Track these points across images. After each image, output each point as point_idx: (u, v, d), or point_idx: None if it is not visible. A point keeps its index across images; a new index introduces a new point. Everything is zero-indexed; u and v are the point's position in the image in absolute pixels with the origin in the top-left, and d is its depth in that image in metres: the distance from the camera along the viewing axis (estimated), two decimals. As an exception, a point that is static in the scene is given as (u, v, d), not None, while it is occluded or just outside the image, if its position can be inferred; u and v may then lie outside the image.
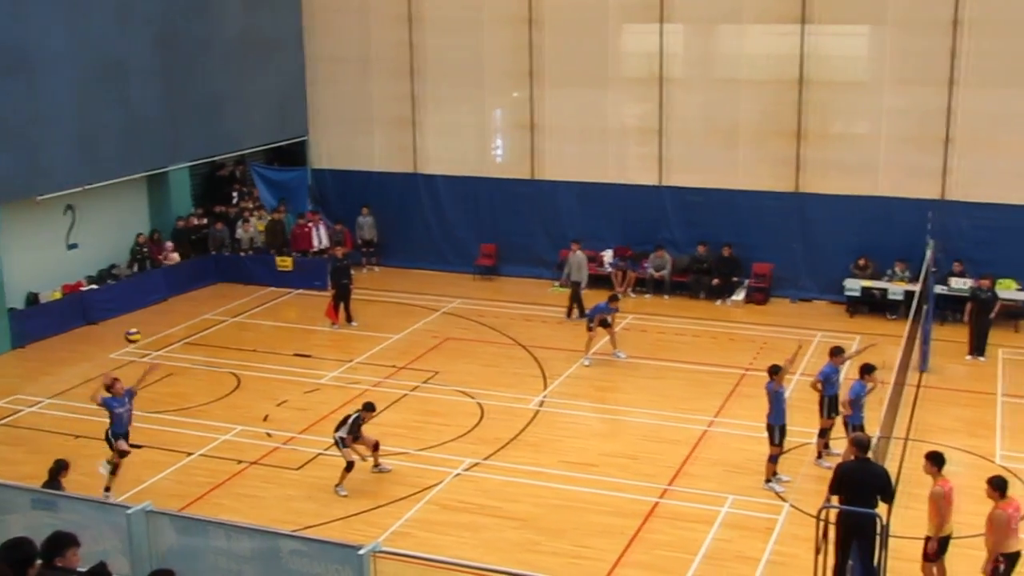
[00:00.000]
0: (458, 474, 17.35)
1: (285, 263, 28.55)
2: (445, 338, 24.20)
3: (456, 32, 29.26)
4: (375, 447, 17.27)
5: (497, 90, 29.55)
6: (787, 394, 17.01)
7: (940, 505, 13.16)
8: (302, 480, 17.29)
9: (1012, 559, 12.91)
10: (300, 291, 27.92)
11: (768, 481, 16.74)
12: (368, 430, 17.21)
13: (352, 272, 25.81)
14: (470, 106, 29.81)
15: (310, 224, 29.41)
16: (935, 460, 13.36)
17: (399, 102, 30.12)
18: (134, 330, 22.41)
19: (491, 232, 29.59)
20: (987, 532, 12.96)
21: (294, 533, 12.57)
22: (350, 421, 16.89)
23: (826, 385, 17.37)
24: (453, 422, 19.39)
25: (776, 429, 16.66)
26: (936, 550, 13.32)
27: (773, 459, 16.78)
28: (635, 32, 28.26)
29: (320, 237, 29.34)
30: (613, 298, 23.11)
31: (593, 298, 24.07)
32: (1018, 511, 12.90)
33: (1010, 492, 13.02)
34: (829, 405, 17.39)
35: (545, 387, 21.21)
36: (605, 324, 22.64)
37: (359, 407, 17.31)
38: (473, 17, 28.99)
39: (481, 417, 19.65)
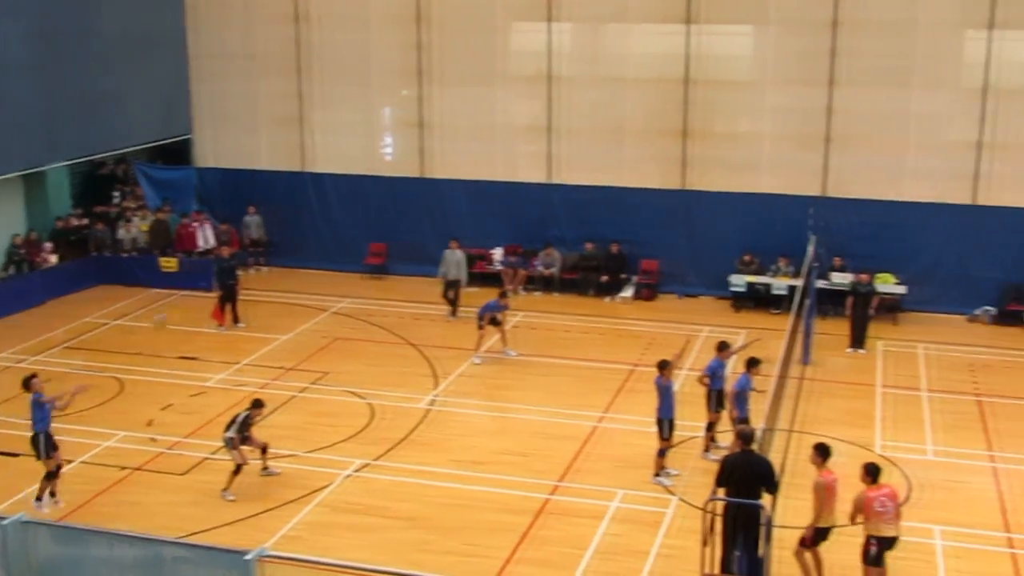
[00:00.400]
0: (348, 475, 17.19)
1: (170, 264, 27.98)
2: (334, 338, 23.97)
3: (344, 29, 29.01)
4: (264, 449, 17.02)
5: (386, 88, 29.39)
6: (675, 388, 17.21)
7: (821, 496, 13.45)
8: (188, 485, 16.94)
9: (886, 543, 13.26)
10: (185, 292, 27.36)
11: (657, 475, 16.93)
12: (257, 432, 16.95)
13: (239, 272, 25.37)
14: (359, 104, 29.58)
15: (195, 224, 28.86)
16: (821, 451, 13.67)
17: (286, 100, 29.75)
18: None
19: (380, 231, 29.40)
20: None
21: (179, 540, 12.30)
22: (239, 420, 16.60)
23: (713, 379, 17.63)
24: (343, 423, 19.20)
25: (665, 423, 16.86)
26: (811, 537, 13.61)
27: (662, 453, 16.97)
28: (523, 30, 28.34)
29: (206, 237, 28.80)
30: (503, 295, 23.17)
31: (483, 296, 24.07)
32: (891, 498, 13.26)
33: (883, 479, 13.39)
34: (716, 399, 17.66)
35: (436, 386, 21.14)
36: (495, 322, 22.67)
37: (248, 406, 17.02)
38: (361, 15, 28.78)
39: (371, 418, 19.51)
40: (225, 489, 16.40)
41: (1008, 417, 19.76)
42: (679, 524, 15.51)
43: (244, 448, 16.57)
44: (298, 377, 21.53)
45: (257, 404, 16.96)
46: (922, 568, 14.44)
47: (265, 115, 30.10)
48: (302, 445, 18.21)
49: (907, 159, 25.98)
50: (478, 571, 14.36)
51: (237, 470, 16.41)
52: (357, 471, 17.33)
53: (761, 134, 26.86)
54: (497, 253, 28.34)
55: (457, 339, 23.69)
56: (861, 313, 23.51)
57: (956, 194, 25.79)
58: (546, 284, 27.79)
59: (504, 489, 16.66)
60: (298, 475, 17.15)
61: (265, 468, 17.09)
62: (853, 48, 25.67)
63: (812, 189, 26.38)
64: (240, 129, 30.36)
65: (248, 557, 9.71)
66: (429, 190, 29.02)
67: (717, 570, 12.95)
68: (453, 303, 25.54)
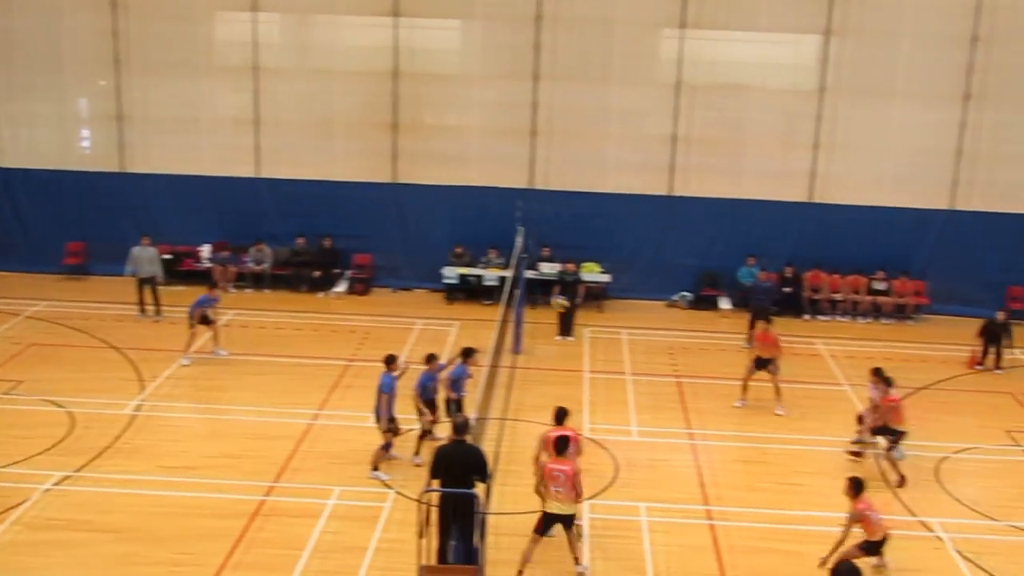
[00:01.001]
0: (47, 489, 16.16)
1: None
2: (28, 344, 22.55)
3: (31, 15, 27.20)
4: None
5: (81, 78, 27.89)
6: (397, 384, 17.09)
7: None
8: None
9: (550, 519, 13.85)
10: None
11: (375, 469, 16.85)
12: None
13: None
14: (51, 94, 27.86)
15: None
16: (558, 446, 13.95)
17: (-34, 90, 27.77)
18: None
19: (78, 229, 27.84)
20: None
21: None
22: None
23: (454, 385, 17.53)
24: (39, 434, 18.03)
25: (386, 419, 16.79)
26: (538, 525, 13.91)
27: (386, 447, 16.89)
28: (228, 20, 27.57)
29: None
30: (212, 288, 22.49)
31: (191, 295, 23.22)
32: (567, 474, 13.69)
33: (569, 454, 14.06)
34: (456, 406, 17.41)
35: (142, 390, 20.25)
36: (206, 320, 21.95)
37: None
38: (51, 1, 27.17)
39: (72, 427, 18.44)
40: (-94, 511, 15.12)
41: (704, 396, 20.89)
42: (397, 517, 15.49)
43: None
44: (-11, 386, 20.13)
45: None
46: (629, 545, 15.00)
47: (-56, 107, 27.98)
48: (-6, 459, 17.03)
49: (608, 152, 27.05)
50: (190, 580, 13.87)
51: None
52: (57, 484, 16.32)
53: (469, 127, 27.26)
54: (205, 250, 27.48)
55: (163, 340, 22.81)
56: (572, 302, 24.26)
57: (654, 186, 27.07)
58: (257, 281, 27.20)
59: (217, 493, 16.14)
60: (-10, 492, 16.02)
61: None
62: (556, 44, 26.46)
63: (520, 181, 27.02)
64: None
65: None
66: (130, 185, 27.75)
67: (434, 561, 13.00)
68: (154, 303, 24.54)
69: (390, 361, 16.98)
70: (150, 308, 24.63)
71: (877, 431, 17.59)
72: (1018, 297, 26.51)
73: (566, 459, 13.93)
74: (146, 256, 24.63)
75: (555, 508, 13.80)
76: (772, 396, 20.11)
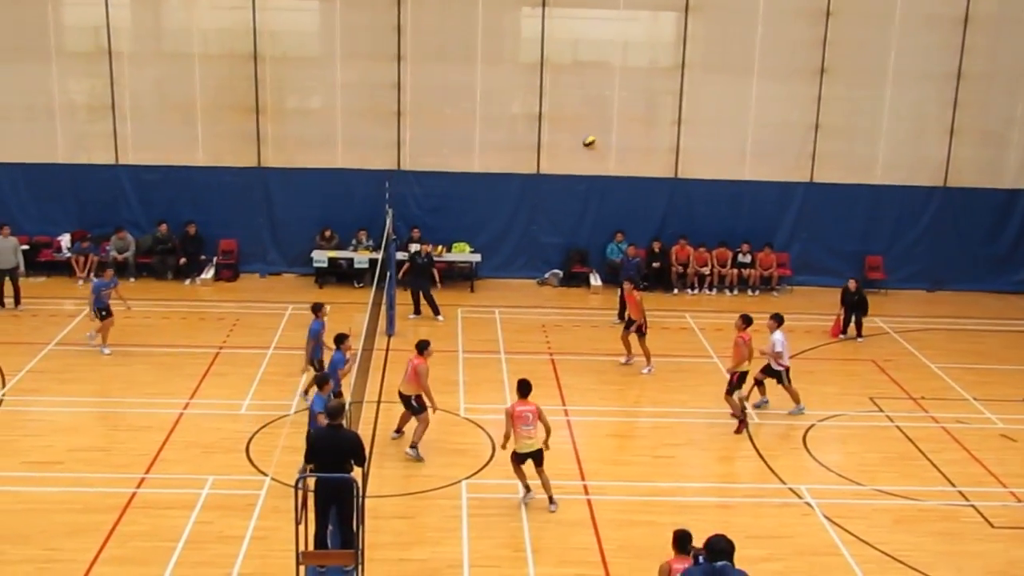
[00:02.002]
0: (-98, 492, 15.55)
1: None
2: None
3: None
4: None
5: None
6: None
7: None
8: None
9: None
10: None
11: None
12: None
13: None
14: None
15: None
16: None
17: None
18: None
19: (-75, 223, 26.75)
20: None
21: None
22: None
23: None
24: None
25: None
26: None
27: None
28: (76, 3, 26.64)
29: None
30: (100, 271, 22.05)
31: (53, 287, 22.54)
32: (533, 413, 15.10)
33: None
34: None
35: (3, 385, 19.59)
36: (107, 312, 21.30)
37: None
38: None
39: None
40: None
41: (576, 372, 21.14)
42: (273, 504, 15.29)
43: None
44: None
45: None
46: (508, 522, 15.08)
47: None
48: None
49: (474, 132, 27.07)
50: (60, 577, 13.49)
51: None
52: (-88, 486, 15.72)
53: (334, 109, 26.96)
54: (64, 240, 26.65)
55: (24, 333, 22.11)
56: (420, 283, 24.11)
57: (521, 164, 27.20)
58: (120, 270, 26.44)
59: (85, 488, 15.70)
60: None
61: None
62: (418, 24, 26.35)
63: (387, 163, 26.86)
64: None
65: None
66: (-21, 176, 26.76)
67: (312, 547, 12.90)
68: (14, 295, 23.74)
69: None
70: (9, 300, 23.80)
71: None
72: (874, 267, 27.44)
73: (529, 400, 15.29)
74: (7, 246, 23.79)
75: (525, 447, 15.13)
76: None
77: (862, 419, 19.34)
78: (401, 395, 16.95)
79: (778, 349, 18.72)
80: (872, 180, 27.47)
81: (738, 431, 18.19)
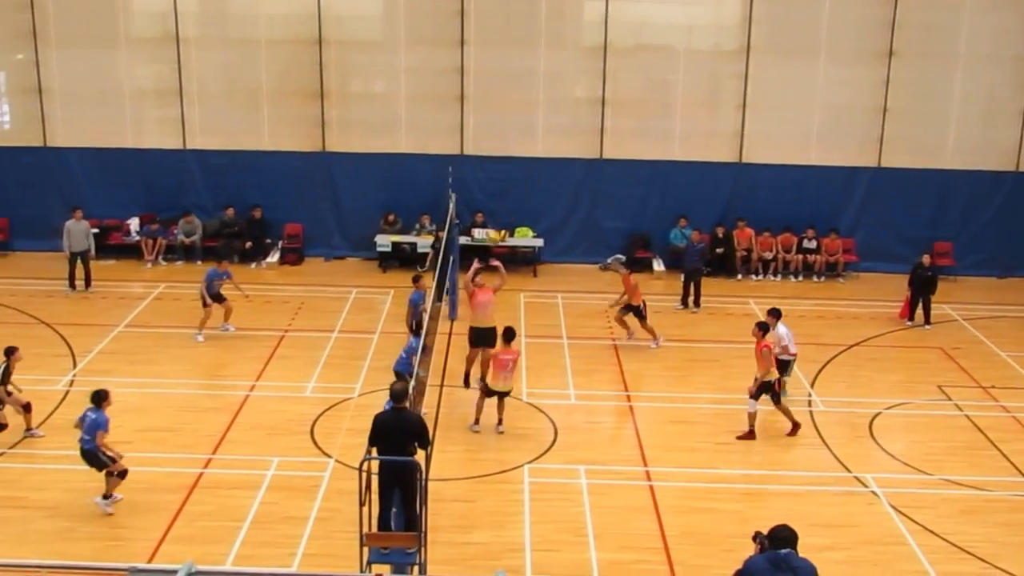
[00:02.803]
0: (-21, 469, 15.93)
1: None
2: (-46, 323, 22.11)
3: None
4: (27, 408, 16.80)
5: (-3, 51, 27.26)
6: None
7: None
8: None
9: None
10: None
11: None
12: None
13: None
14: (-34, 69, 27.27)
15: None
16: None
17: None
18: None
19: (0, 205, 27.31)
20: None
21: None
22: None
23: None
24: (-31, 413, 17.71)
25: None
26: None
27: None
28: (145, -10, 27.09)
29: None
30: (218, 261, 22.17)
31: (121, 271, 22.87)
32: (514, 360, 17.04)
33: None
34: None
35: (74, 366, 19.96)
36: (220, 298, 21.60)
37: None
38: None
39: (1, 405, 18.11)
40: None
41: (638, 358, 21.06)
42: (336, 487, 15.45)
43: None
44: (-87, 368, 19.63)
45: (9, 352, 16.63)
46: (570, 508, 15.11)
47: None
48: (-81, 441, 16.69)
49: (537, 116, 27.01)
50: (129, 554, 13.66)
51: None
52: (-12, 463, 16.09)
53: (397, 94, 27.04)
54: (133, 223, 27.06)
55: (94, 315, 22.50)
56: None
57: (584, 149, 27.11)
58: (188, 253, 26.84)
59: (153, 467, 15.95)
60: (-83, 474, 15.71)
61: (28, 429, 16.90)
62: (481, 8, 26.31)
63: (450, 148, 26.88)
64: None
65: None
66: (52, 160, 27.18)
67: (375, 529, 12.99)
68: (85, 278, 24.14)
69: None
70: (80, 282, 24.22)
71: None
72: (943, 252, 26.99)
73: (512, 348, 17.12)
74: (80, 229, 24.21)
75: (500, 387, 17.11)
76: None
77: (929, 407, 19.08)
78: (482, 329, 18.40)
79: (784, 342, 18.44)
80: (941, 165, 26.96)
81: (792, 432, 17.84)
